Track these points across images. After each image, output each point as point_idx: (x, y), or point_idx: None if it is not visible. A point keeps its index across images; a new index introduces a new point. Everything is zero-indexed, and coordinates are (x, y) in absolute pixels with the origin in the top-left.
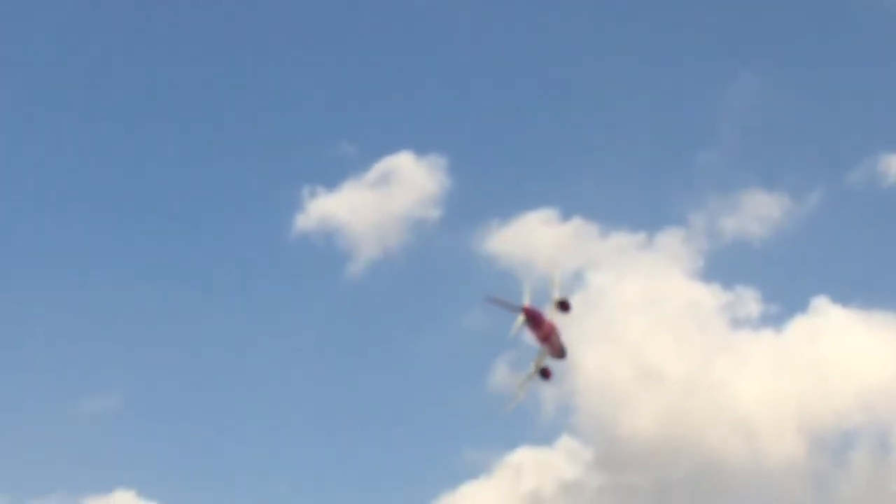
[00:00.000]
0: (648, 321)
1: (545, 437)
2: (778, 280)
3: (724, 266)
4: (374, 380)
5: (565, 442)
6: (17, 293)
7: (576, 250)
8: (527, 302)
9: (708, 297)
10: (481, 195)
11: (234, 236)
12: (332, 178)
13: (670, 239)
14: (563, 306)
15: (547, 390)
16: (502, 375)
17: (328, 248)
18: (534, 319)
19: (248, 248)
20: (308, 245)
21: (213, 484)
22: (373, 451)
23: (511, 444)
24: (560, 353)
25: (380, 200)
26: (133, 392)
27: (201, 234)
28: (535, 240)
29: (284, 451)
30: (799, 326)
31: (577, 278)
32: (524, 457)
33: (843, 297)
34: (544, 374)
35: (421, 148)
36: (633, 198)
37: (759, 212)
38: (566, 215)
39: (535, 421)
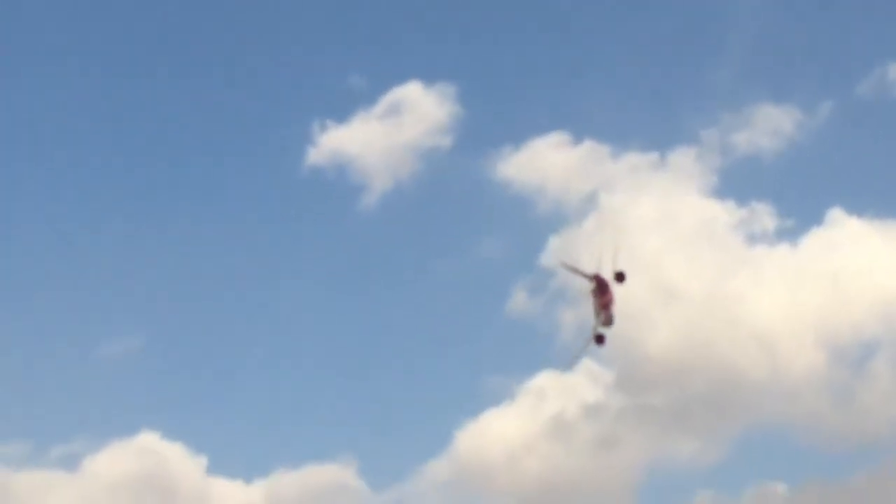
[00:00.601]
0: (664, 240)
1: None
2: (792, 194)
3: (738, 182)
4: (392, 311)
5: (586, 365)
6: (34, 236)
7: (588, 172)
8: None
9: (722, 213)
10: (492, 122)
11: (246, 173)
12: (341, 110)
13: (683, 157)
14: (620, 278)
15: (565, 314)
16: (521, 301)
17: (340, 182)
18: (601, 287)
19: (259, 184)
20: (320, 179)
21: (235, 424)
22: (393, 383)
23: (532, 369)
24: (610, 321)
25: (390, 131)
26: (153, 333)
27: (212, 172)
28: (547, 164)
29: (305, 388)
30: (815, 239)
31: (591, 201)
32: (546, 381)
33: (858, 207)
34: (599, 339)
35: (429, 77)
36: (643, 118)
37: (770, 126)
38: (577, 138)
39: (555, 346)
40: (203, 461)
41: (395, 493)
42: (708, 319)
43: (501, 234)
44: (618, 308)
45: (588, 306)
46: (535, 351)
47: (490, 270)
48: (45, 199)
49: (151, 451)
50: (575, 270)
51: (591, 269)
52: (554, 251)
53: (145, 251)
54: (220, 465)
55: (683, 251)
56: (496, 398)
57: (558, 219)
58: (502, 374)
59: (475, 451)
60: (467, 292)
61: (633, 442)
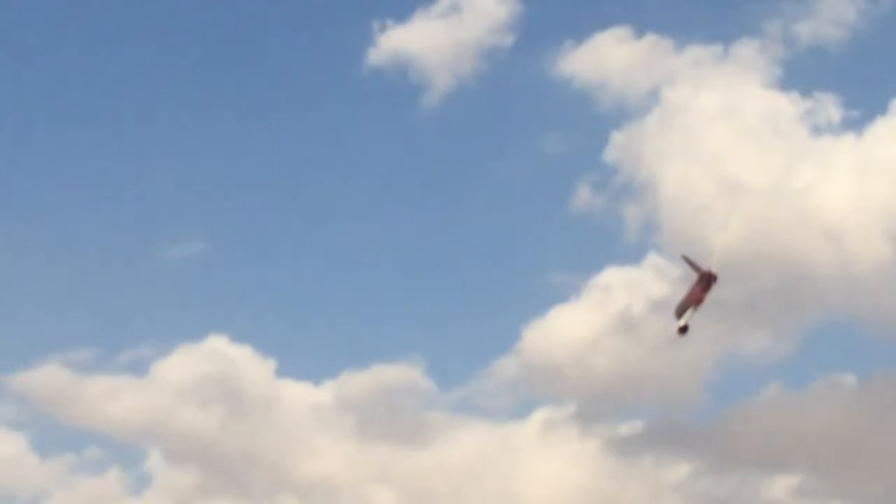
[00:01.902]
0: (728, 134)
1: (631, 256)
2: (856, 84)
3: (802, 73)
4: (456, 209)
5: (652, 260)
6: (93, 141)
7: (650, 67)
8: (712, 268)
9: (787, 105)
10: (553, 18)
11: (306, 75)
12: (401, 10)
13: (746, 49)
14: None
15: (629, 209)
16: (584, 197)
17: (401, 82)
18: (708, 284)
19: (320, 86)
20: (381, 80)
21: (303, 326)
22: (459, 282)
23: (598, 265)
24: (686, 325)
25: (451, 30)
26: (217, 236)
27: (273, 75)
28: (608, 59)
29: (371, 289)
30: (880, 129)
31: (653, 95)
32: (612, 277)
33: None
34: (683, 330)
35: None
36: (706, 10)
37: (834, 15)
38: (639, 32)
39: (619, 241)
40: (272, 364)
41: (463, 391)
42: (774, 212)
43: (563, 132)
44: (682, 204)
45: (684, 290)
46: (599, 247)
47: (553, 168)
48: (104, 107)
49: (220, 355)
50: (692, 264)
51: (706, 265)
52: (616, 147)
53: (204, 154)
54: (289, 368)
55: (748, 144)
56: (562, 295)
57: (620, 114)
58: (568, 272)
59: (542, 349)
60: (530, 190)
61: (701, 337)
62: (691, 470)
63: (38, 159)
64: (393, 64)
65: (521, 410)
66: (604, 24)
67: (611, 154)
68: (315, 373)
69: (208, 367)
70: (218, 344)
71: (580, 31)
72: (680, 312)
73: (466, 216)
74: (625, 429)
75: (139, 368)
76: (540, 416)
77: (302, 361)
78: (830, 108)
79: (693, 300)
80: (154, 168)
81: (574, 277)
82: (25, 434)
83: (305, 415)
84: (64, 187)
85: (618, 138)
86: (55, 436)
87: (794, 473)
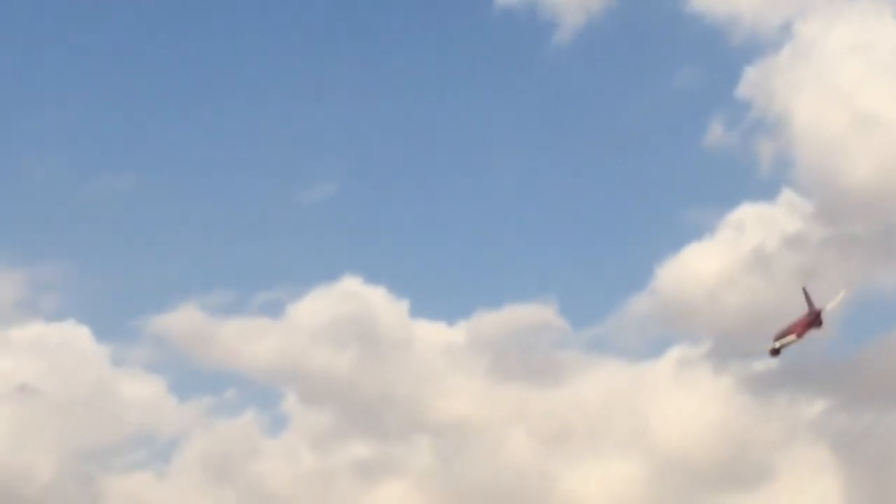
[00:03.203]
0: (861, 68)
1: (765, 192)
2: None
3: None
4: (587, 147)
5: (786, 196)
6: (227, 89)
7: (783, 1)
8: (822, 308)
9: None
10: None
11: (437, 17)
12: None
13: None
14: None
15: (763, 145)
16: (717, 133)
17: (531, 20)
18: (811, 322)
19: (452, 28)
20: (511, 18)
21: (436, 267)
22: (592, 221)
23: (731, 202)
24: (779, 350)
25: None
26: (350, 178)
27: (405, 19)
28: None
29: (505, 231)
30: None
31: (786, 30)
32: (745, 214)
33: None
34: (775, 353)
35: None
36: None
37: None
38: None
39: (753, 177)
40: (405, 304)
41: (597, 330)
42: None
43: (696, 67)
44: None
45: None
46: (733, 184)
47: (685, 104)
48: (242, 43)
49: (354, 296)
50: (808, 298)
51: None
52: (749, 82)
53: (336, 97)
54: (422, 308)
55: (882, 79)
56: (696, 232)
57: (753, 49)
58: (701, 208)
59: (676, 286)
60: (663, 127)
61: (835, 273)
62: (826, 407)
63: (175, 109)
64: (523, 2)
65: (655, 349)
66: None
67: (743, 89)
68: (448, 313)
69: (342, 308)
70: (352, 285)
71: None
72: (779, 336)
73: (599, 154)
74: (759, 366)
75: (274, 311)
76: (674, 354)
77: (435, 302)
78: None
79: (795, 331)
80: (287, 113)
81: (708, 215)
82: (164, 377)
83: (439, 355)
84: (197, 135)
85: (750, 73)
86: (193, 378)
87: None
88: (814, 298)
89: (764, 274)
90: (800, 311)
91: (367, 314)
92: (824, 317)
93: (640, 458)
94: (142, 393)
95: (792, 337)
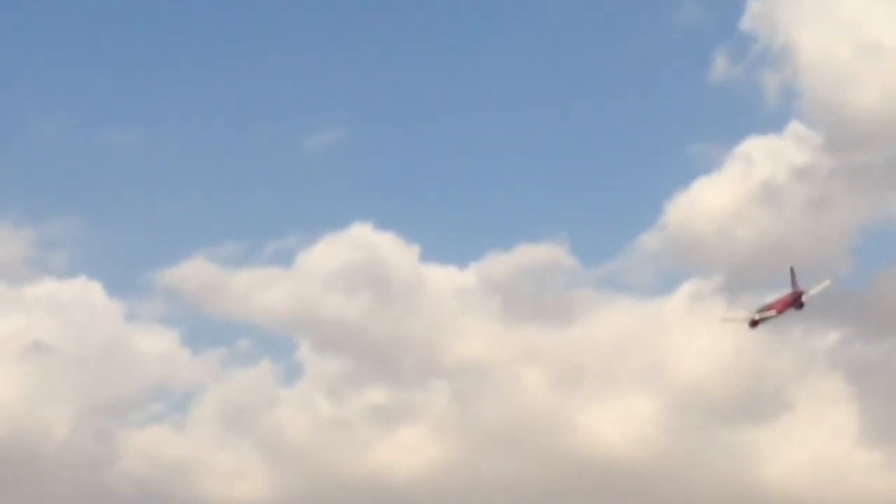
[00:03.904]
0: None
1: (772, 124)
2: None
3: None
4: (593, 85)
5: (793, 127)
6: (231, 37)
7: None
8: (805, 291)
9: None
10: None
11: None
12: None
13: None
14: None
15: (768, 77)
16: (722, 67)
17: None
18: (791, 301)
19: None
20: None
21: (445, 211)
22: (599, 160)
23: (738, 135)
24: (757, 322)
25: None
26: (356, 123)
27: None
28: None
29: (512, 170)
30: None
31: None
32: (753, 147)
33: None
34: (754, 324)
35: None
36: None
37: None
38: None
39: (760, 109)
40: (415, 249)
41: (608, 268)
42: None
43: (698, 1)
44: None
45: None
46: (739, 117)
47: (688, 37)
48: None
49: (364, 243)
50: (793, 278)
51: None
52: (753, 14)
53: (342, 42)
54: (433, 252)
55: (886, 7)
56: (704, 167)
57: None
58: (708, 142)
59: (685, 222)
60: (666, 61)
61: (846, 202)
62: (840, 337)
63: (181, 62)
64: None
65: (667, 285)
66: None
67: (748, 22)
68: (459, 256)
69: (353, 255)
70: (361, 232)
71: None
72: (761, 310)
73: (603, 91)
74: (772, 299)
75: (285, 259)
76: (686, 289)
77: (445, 245)
78: None
79: (776, 308)
80: (293, 61)
81: (715, 149)
82: (177, 329)
83: (451, 298)
84: (203, 86)
85: (754, 6)
86: (206, 330)
87: None
88: (798, 280)
89: (773, 206)
90: (811, 242)
91: (378, 260)
92: (805, 299)
93: (656, 394)
94: (156, 346)
95: (772, 312)
